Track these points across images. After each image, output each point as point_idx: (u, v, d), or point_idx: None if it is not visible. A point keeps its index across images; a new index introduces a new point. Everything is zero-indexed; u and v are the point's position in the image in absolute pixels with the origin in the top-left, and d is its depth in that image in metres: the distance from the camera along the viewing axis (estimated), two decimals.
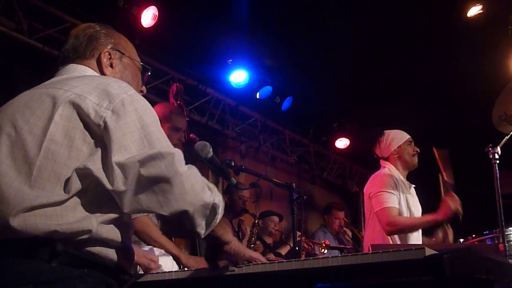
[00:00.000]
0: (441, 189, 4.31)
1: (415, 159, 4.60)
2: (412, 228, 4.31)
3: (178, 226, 1.85)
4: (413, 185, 4.63)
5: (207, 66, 7.07)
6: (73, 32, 2.19)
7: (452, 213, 4.19)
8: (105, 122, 1.77)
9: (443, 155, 4.43)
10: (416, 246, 1.74)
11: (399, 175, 4.52)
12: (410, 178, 4.67)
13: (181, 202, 1.74)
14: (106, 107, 1.80)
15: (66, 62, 2.11)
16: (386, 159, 4.65)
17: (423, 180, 4.62)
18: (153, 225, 3.46)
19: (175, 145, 3.62)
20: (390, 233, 4.27)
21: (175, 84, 4.57)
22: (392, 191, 4.34)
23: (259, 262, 2.11)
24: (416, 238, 4.43)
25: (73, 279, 1.70)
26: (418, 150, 4.61)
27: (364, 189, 4.64)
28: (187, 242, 3.72)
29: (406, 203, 4.41)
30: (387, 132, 4.72)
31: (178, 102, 4.43)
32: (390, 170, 4.54)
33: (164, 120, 3.82)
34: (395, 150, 4.61)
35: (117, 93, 1.84)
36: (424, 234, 4.55)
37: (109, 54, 2.16)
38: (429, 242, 4.48)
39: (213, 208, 1.84)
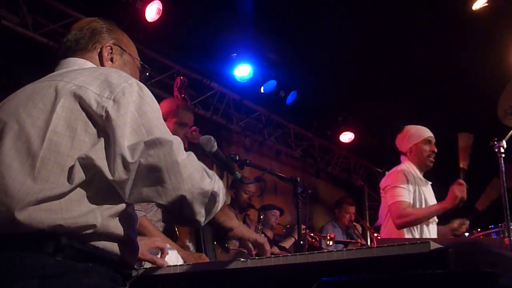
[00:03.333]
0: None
1: (430, 160, 4.57)
2: (421, 218, 4.32)
3: (178, 214, 1.85)
4: (430, 182, 4.63)
5: (212, 60, 7.07)
6: (76, 25, 2.21)
7: (459, 200, 4.20)
8: (107, 112, 1.78)
9: (466, 140, 4.41)
10: (421, 240, 1.74)
11: (416, 171, 4.50)
12: (428, 176, 4.67)
13: (179, 191, 1.75)
14: (107, 97, 1.81)
15: (68, 54, 2.12)
16: (405, 154, 4.63)
17: (441, 178, 4.61)
18: (150, 225, 3.44)
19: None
20: (400, 226, 4.29)
21: (179, 77, 4.56)
22: (405, 186, 4.38)
23: (265, 251, 2.11)
24: (432, 233, 4.45)
25: (77, 273, 1.71)
26: (435, 150, 4.57)
27: (380, 185, 4.67)
28: (191, 234, 3.72)
29: (424, 198, 4.42)
30: (408, 127, 4.68)
31: (183, 95, 4.43)
32: (408, 166, 4.52)
33: (171, 115, 3.82)
34: (411, 147, 4.58)
35: (118, 82, 1.86)
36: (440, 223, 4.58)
37: (111, 48, 2.19)
38: (444, 230, 4.51)
39: (212, 195, 1.84)
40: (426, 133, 4.62)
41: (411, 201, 4.37)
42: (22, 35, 5.51)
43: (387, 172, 4.72)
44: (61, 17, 5.72)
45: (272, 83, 7.53)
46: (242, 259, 2.10)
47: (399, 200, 4.35)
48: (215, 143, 2.66)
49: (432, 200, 4.52)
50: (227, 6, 6.08)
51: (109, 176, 1.73)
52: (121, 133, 1.74)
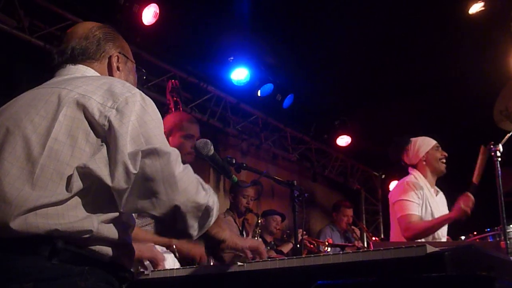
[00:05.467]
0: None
1: (443, 164, 4.58)
2: (428, 230, 4.31)
3: (171, 227, 1.85)
4: (441, 192, 4.63)
5: (208, 64, 7.08)
6: (79, 31, 2.18)
7: (463, 212, 4.21)
8: (109, 122, 1.78)
9: (485, 154, 4.39)
10: (417, 243, 1.74)
11: (426, 182, 4.51)
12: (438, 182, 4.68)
13: (173, 203, 1.75)
14: (110, 106, 1.81)
15: (71, 61, 2.11)
16: (415, 166, 4.62)
17: (449, 183, 4.62)
18: (139, 230, 3.42)
19: (188, 153, 3.62)
20: (408, 239, 4.27)
21: (170, 80, 4.56)
22: (413, 200, 4.37)
23: (261, 253, 2.11)
24: (443, 233, 4.46)
25: (74, 276, 1.70)
26: (446, 154, 4.59)
27: (389, 195, 4.68)
28: None
29: (431, 211, 4.42)
30: (413, 139, 4.65)
31: (175, 98, 4.42)
32: (416, 177, 4.52)
33: (176, 128, 3.79)
34: (423, 156, 4.57)
35: (121, 92, 1.86)
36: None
37: (118, 58, 2.20)
38: None
39: (206, 210, 1.84)
40: (433, 140, 4.64)
41: (420, 214, 4.37)
42: (18, 38, 5.50)
43: (392, 183, 4.70)
44: (58, 20, 5.71)
45: (269, 87, 7.52)
46: (239, 263, 2.10)
47: (406, 213, 4.34)
48: (212, 147, 2.65)
49: (441, 211, 4.51)
50: (224, 10, 6.08)
51: (110, 183, 1.73)
52: (123, 142, 1.75)
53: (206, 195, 1.84)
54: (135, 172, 1.72)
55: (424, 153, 4.59)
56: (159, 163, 1.74)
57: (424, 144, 4.62)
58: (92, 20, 2.29)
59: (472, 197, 4.27)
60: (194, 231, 1.84)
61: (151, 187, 1.74)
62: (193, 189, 1.79)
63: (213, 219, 1.89)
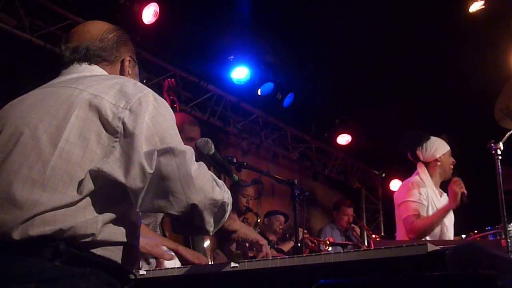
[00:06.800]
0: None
1: (451, 171, 4.64)
2: (431, 225, 4.33)
3: (187, 224, 1.85)
4: (445, 193, 4.64)
5: (209, 63, 7.08)
6: (92, 30, 2.17)
7: (460, 196, 4.23)
8: (123, 123, 1.77)
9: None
10: (418, 242, 1.74)
11: (431, 183, 4.53)
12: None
13: (191, 201, 1.75)
14: (123, 107, 1.80)
15: (85, 61, 2.10)
16: (426, 164, 4.63)
17: (448, 183, 4.64)
18: (146, 229, 3.42)
19: None
20: (414, 240, 4.27)
21: (166, 80, 4.57)
22: (417, 200, 4.41)
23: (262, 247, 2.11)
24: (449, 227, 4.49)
25: (75, 278, 1.70)
26: (454, 162, 4.64)
27: (394, 196, 4.69)
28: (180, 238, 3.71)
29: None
30: (433, 138, 4.68)
31: (171, 97, 4.42)
32: (422, 177, 4.53)
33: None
34: (439, 157, 4.61)
35: (134, 92, 1.86)
36: None
37: (129, 61, 2.22)
38: None
39: (222, 205, 1.85)
40: (447, 145, 4.67)
41: (424, 215, 4.38)
42: (19, 38, 5.50)
43: (392, 181, 4.70)
44: (58, 19, 5.71)
45: (269, 86, 7.52)
46: (239, 262, 2.10)
47: (410, 214, 4.38)
48: (212, 146, 2.65)
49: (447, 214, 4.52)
50: (224, 9, 6.08)
51: (126, 184, 1.72)
52: (139, 142, 1.74)
53: (222, 191, 1.85)
54: (151, 171, 1.72)
55: (441, 155, 4.61)
56: (175, 162, 1.74)
57: (441, 146, 4.65)
58: (93, 19, 2.29)
59: (459, 179, 4.30)
60: (211, 226, 1.85)
61: (167, 186, 1.74)
62: (209, 186, 1.79)
63: (227, 214, 1.92)
